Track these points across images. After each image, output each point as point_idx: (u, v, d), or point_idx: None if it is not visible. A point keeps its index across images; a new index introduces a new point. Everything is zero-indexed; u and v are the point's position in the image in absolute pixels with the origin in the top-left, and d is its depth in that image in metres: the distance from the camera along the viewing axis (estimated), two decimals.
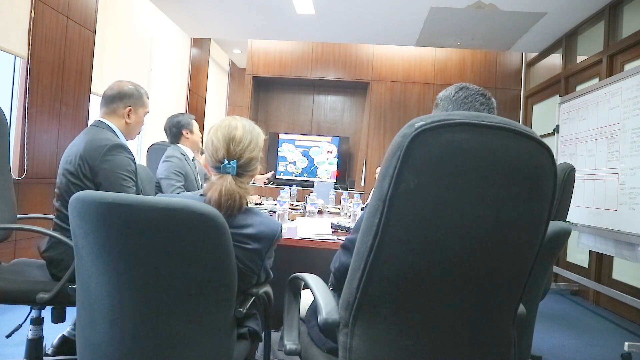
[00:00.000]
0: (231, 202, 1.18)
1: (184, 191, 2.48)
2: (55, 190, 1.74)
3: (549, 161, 0.84)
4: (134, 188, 1.76)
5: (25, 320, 1.65)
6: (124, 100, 1.85)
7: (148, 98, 1.96)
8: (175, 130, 2.74)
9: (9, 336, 1.63)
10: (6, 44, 2.96)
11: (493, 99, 1.28)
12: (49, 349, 2.00)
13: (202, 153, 3.93)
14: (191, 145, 2.77)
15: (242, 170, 1.25)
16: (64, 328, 2.05)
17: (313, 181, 5.70)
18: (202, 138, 3.01)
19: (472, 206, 0.82)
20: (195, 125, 2.80)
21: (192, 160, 2.76)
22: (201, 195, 1.24)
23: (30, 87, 3.13)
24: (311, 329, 1.21)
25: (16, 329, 1.62)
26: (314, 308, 1.27)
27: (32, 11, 3.13)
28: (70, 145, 1.78)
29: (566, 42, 4.79)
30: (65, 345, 2.00)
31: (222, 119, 1.31)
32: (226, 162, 1.22)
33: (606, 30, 3.99)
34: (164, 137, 4.17)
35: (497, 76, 6.15)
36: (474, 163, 0.80)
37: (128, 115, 1.86)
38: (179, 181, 2.53)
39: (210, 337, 1.06)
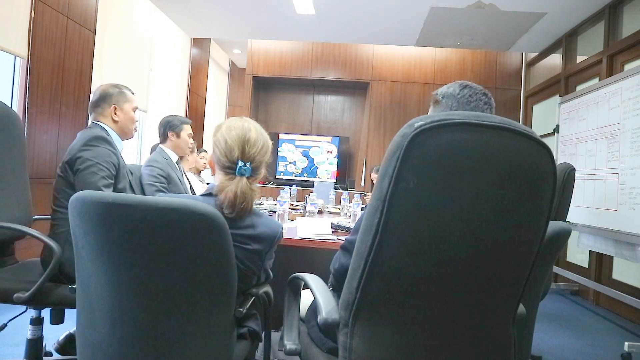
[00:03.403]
0: (244, 204, 1.18)
1: (163, 192, 2.44)
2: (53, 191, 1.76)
3: (549, 161, 0.84)
4: (110, 180, 1.70)
5: (10, 320, 1.65)
6: (107, 100, 1.87)
7: (133, 93, 1.96)
8: (162, 131, 2.69)
9: None
10: (6, 44, 2.96)
11: (492, 99, 1.28)
12: (53, 344, 2.01)
13: (196, 152, 3.88)
14: (174, 149, 2.70)
15: (252, 173, 1.25)
16: (65, 328, 2.04)
17: (313, 181, 5.70)
18: (199, 142, 2.95)
19: (471, 206, 0.82)
20: (186, 130, 2.71)
21: (177, 163, 2.72)
22: (205, 195, 1.23)
23: (30, 87, 3.13)
24: (311, 329, 1.21)
25: (1, 328, 1.62)
26: (314, 308, 1.27)
27: (32, 11, 3.12)
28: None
29: (566, 42, 4.79)
30: (71, 343, 1.99)
31: (230, 119, 1.30)
32: (242, 163, 1.21)
33: (606, 30, 3.99)
34: None
35: (497, 76, 6.15)
36: (474, 163, 0.80)
37: (115, 113, 1.88)
38: (162, 185, 2.48)
39: (210, 337, 1.06)
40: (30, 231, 1.56)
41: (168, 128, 2.67)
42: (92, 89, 3.86)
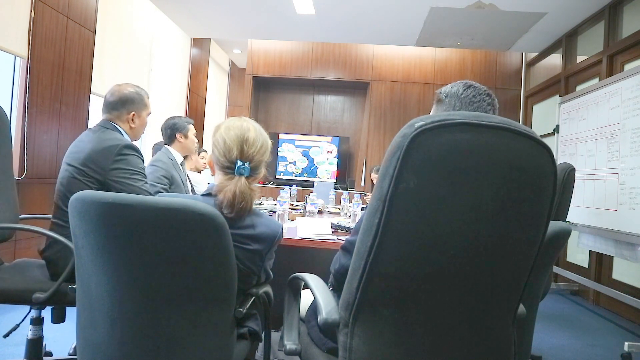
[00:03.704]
0: (243, 204, 1.18)
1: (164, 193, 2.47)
2: (59, 186, 1.73)
3: (549, 161, 0.84)
4: (148, 184, 1.80)
5: (23, 320, 1.65)
6: (127, 106, 1.86)
7: (148, 98, 1.98)
8: (170, 132, 2.73)
9: (6, 336, 1.62)
10: (6, 44, 2.96)
11: (496, 100, 1.27)
12: (68, 352, 2.02)
13: (198, 153, 3.91)
14: (182, 150, 2.75)
15: (251, 173, 1.25)
16: (65, 328, 2.05)
17: (313, 181, 5.70)
18: (199, 142, 3.01)
19: (471, 206, 0.82)
20: (192, 130, 2.77)
21: (181, 164, 2.76)
22: (204, 195, 1.23)
23: (30, 87, 3.13)
24: (311, 329, 1.21)
25: (13, 329, 1.61)
26: (314, 308, 1.27)
27: (32, 11, 3.13)
28: (75, 142, 1.79)
29: (566, 42, 4.79)
30: None
31: (229, 119, 1.31)
32: (240, 163, 1.21)
33: (606, 30, 3.99)
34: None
35: (497, 76, 6.15)
36: (474, 163, 0.80)
37: (132, 120, 1.88)
38: (163, 186, 2.52)
39: (210, 337, 1.06)
40: (51, 234, 1.56)
41: (176, 130, 2.71)
42: (92, 89, 3.86)
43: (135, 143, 1.86)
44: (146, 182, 1.79)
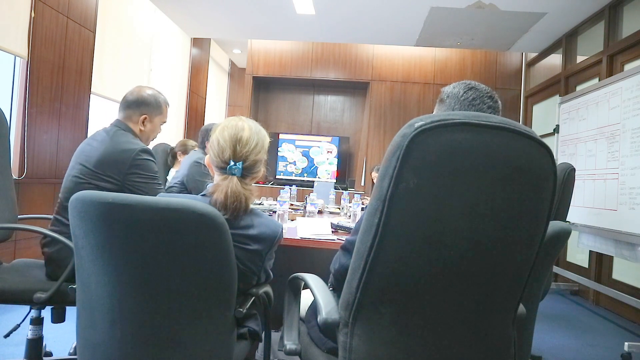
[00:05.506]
0: (237, 204, 1.18)
1: None
2: (68, 183, 1.71)
3: (549, 161, 0.84)
4: (163, 189, 1.82)
5: (23, 320, 1.65)
6: (141, 107, 1.81)
7: (168, 106, 1.92)
8: (200, 139, 3.00)
9: (7, 336, 1.62)
10: (6, 44, 2.96)
11: (499, 101, 1.27)
12: (69, 352, 2.02)
13: None
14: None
15: (247, 172, 1.24)
16: (65, 328, 2.05)
17: (313, 181, 5.69)
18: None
19: (471, 206, 0.82)
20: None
21: None
22: (203, 195, 1.24)
23: (30, 87, 3.13)
24: (311, 329, 1.21)
25: (14, 329, 1.61)
26: (314, 308, 1.27)
27: (32, 11, 3.13)
28: (88, 140, 1.77)
29: (566, 42, 4.79)
30: None
31: (227, 119, 1.30)
32: (232, 163, 1.21)
33: (606, 30, 3.99)
34: (162, 139, 4.19)
35: (497, 76, 6.15)
36: (474, 163, 0.80)
37: (143, 122, 1.83)
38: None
39: (210, 337, 1.06)
40: (50, 233, 1.55)
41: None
42: (92, 89, 3.86)
43: None
44: (162, 187, 1.80)
